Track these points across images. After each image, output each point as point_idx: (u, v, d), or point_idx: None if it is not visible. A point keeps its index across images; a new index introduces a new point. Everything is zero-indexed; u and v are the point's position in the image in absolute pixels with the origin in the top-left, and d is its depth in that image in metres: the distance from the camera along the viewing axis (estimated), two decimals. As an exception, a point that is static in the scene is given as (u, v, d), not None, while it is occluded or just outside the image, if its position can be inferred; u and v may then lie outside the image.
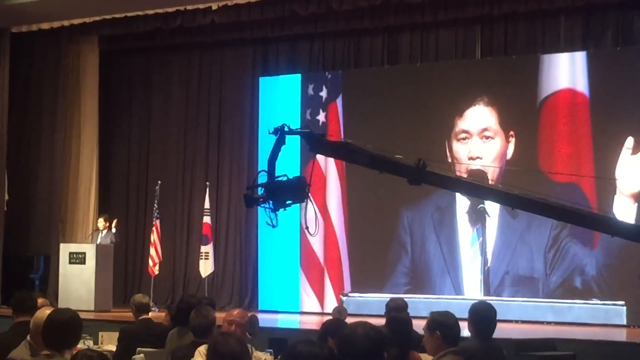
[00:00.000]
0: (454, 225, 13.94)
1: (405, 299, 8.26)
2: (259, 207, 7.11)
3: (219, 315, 6.59)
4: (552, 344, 10.10)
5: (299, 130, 7.14)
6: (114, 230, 14.35)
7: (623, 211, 12.45)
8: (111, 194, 16.66)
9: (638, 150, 12.79)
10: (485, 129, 13.82)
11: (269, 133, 6.95)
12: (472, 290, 13.56)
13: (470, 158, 13.67)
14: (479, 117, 13.88)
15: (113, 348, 7.89)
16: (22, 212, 15.60)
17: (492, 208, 13.43)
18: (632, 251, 11.72)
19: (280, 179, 6.88)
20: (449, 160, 13.63)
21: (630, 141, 12.81)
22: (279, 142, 6.91)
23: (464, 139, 13.92)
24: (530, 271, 13.38)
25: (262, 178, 6.90)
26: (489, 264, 13.52)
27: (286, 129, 6.90)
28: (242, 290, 15.46)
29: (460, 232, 13.89)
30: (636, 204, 12.68)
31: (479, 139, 13.84)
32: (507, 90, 13.81)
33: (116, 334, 7.99)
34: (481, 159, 13.63)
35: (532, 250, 13.38)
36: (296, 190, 6.89)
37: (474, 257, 13.71)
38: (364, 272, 14.43)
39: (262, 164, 8.14)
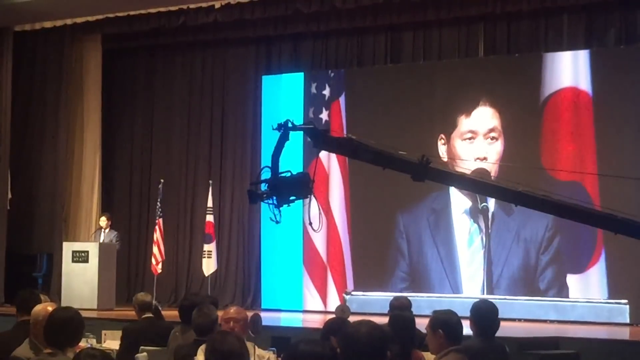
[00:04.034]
0: (450, 227, 13.91)
1: (408, 298, 8.25)
2: (262, 204, 7.11)
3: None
4: (555, 342, 10.10)
5: (302, 126, 7.14)
6: (115, 233, 14.35)
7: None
8: (114, 192, 16.67)
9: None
10: (492, 130, 13.79)
11: (273, 129, 6.96)
12: (471, 291, 13.51)
13: (477, 158, 13.64)
14: (486, 117, 13.85)
15: (115, 346, 7.88)
16: (25, 211, 15.60)
17: (490, 207, 13.45)
18: (636, 249, 11.67)
19: (284, 175, 6.88)
20: (444, 159, 13.57)
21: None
22: (283, 138, 6.91)
23: (469, 138, 13.90)
24: (524, 272, 13.37)
25: (266, 174, 6.90)
26: (492, 263, 13.51)
27: (290, 125, 6.89)
28: (245, 289, 15.46)
29: (457, 233, 13.86)
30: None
31: (485, 139, 13.82)
32: (510, 89, 13.80)
33: (119, 333, 7.99)
34: (486, 159, 13.61)
35: (527, 250, 13.37)
36: (300, 186, 6.90)
37: (472, 257, 13.68)
38: (367, 270, 14.42)
39: (265, 162, 8.15)
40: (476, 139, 13.86)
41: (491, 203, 13.27)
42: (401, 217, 14.21)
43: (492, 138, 13.79)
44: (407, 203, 13.94)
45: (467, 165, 13.05)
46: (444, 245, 13.91)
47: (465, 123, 13.94)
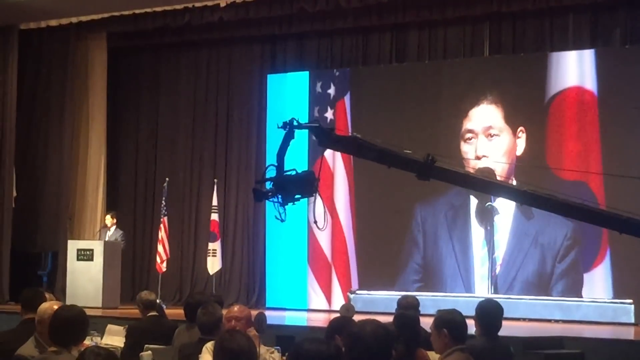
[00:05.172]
0: (467, 224, 13.88)
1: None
2: (267, 203, 7.10)
3: (226, 313, 6.60)
4: (560, 342, 10.08)
5: (308, 124, 7.13)
6: (121, 232, 14.37)
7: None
8: (119, 190, 16.67)
9: None
10: (490, 127, 13.79)
11: (278, 127, 6.95)
12: (483, 289, 13.50)
13: (477, 157, 13.62)
14: (483, 115, 13.86)
15: (116, 343, 7.90)
16: (30, 209, 15.61)
17: (506, 209, 13.37)
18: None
19: (289, 173, 6.88)
20: (466, 157, 13.58)
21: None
22: (288, 137, 6.90)
23: (469, 139, 13.89)
24: (539, 278, 13.33)
25: (271, 172, 6.90)
26: (497, 266, 13.47)
27: (295, 123, 6.89)
28: (250, 288, 15.46)
29: (474, 231, 13.82)
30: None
31: (485, 137, 13.81)
32: (515, 88, 13.79)
33: (120, 328, 8.00)
34: (487, 157, 13.58)
35: (543, 256, 13.33)
36: (305, 184, 6.89)
37: (485, 257, 13.65)
38: (372, 269, 14.41)
39: (270, 161, 8.14)
40: (476, 139, 13.85)
41: (511, 206, 13.18)
42: (419, 210, 14.18)
43: (492, 135, 13.78)
44: (427, 197, 13.88)
45: (471, 163, 13.07)
46: (460, 242, 13.88)
47: (464, 124, 13.94)
